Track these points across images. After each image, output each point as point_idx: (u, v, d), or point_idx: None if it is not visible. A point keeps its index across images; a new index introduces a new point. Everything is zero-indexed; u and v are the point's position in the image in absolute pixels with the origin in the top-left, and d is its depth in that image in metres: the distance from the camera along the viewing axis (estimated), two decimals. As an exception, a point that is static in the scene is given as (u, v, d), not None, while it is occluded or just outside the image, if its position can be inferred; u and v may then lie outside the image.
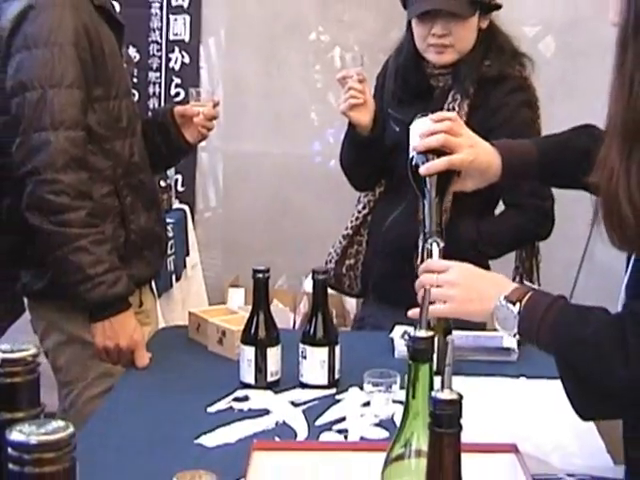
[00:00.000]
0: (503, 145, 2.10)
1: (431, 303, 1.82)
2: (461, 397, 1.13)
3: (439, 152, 2.02)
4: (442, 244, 1.93)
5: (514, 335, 1.78)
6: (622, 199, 1.60)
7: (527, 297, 1.76)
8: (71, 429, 0.88)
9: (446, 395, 1.14)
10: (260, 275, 2.34)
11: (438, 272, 1.86)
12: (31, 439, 0.87)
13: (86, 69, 2.60)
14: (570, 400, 1.65)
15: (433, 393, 1.14)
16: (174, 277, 4.22)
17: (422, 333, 1.33)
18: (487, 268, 2.65)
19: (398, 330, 2.58)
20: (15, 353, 1.00)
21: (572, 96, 4.68)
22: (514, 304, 1.75)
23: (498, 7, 3.02)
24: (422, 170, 2.00)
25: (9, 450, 0.87)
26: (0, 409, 0.99)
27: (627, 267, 1.77)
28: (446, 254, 2.43)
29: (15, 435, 0.87)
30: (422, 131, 2.07)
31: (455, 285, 1.84)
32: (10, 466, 0.87)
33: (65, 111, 2.55)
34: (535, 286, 1.84)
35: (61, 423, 0.88)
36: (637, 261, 1.73)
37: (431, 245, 1.93)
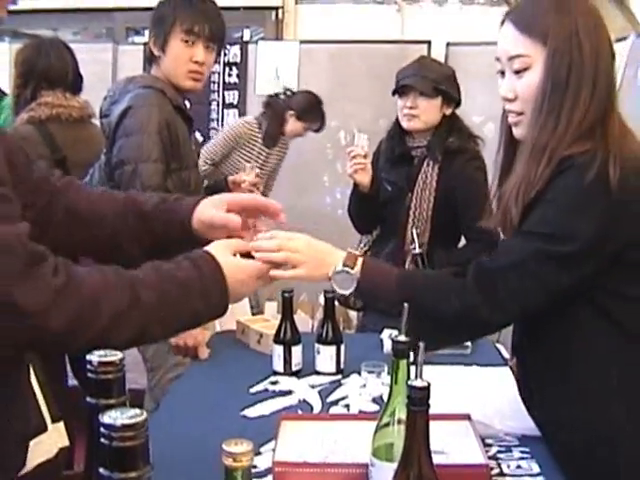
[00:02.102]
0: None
1: (278, 267, 1.63)
2: (429, 385, 1.13)
3: None
4: None
5: (351, 293, 1.70)
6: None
7: (362, 261, 1.70)
8: (145, 415, 0.89)
9: (419, 383, 1.14)
10: (287, 295, 2.34)
11: (282, 242, 1.67)
12: (117, 422, 0.87)
13: (166, 149, 2.61)
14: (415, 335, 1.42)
15: (409, 382, 1.15)
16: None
17: (402, 337, 1.34)
18: None
19: (386, 332, 2.57)
20: (107, 357, 1.00)
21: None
22: (352, 268, 1.69)
23: (458, 103, 3.05)
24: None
25: (101, 429, 0.88)
26: (97, 397, 0.99)
27: None
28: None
29: (106, 419, 0.88)
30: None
31: (300, 252, 1.68)
32: (102, 440, 0.88)
33: (151, 178, 2.56)
34: (358, 252, 1.74)
35: (137, 410, 0.89)
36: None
37: None
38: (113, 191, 1.78)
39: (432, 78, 2.97)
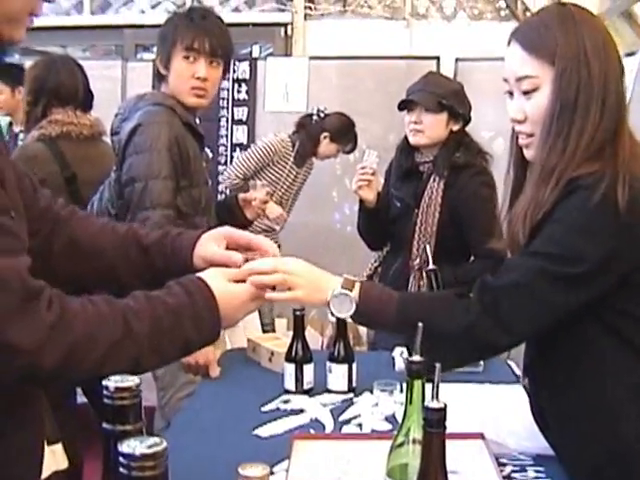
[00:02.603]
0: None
1: (273, 289, 1.61)
2: (446, 406, 1.13)
3: None
4: None
5: (349, 317, 1.69)
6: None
7: (359, 285, 1.69)
8: (164, 444, 0.88)
9: (435, 405, 1.13)
10: (298, 313, 2.33)
11: (277, 264, 1.65)
12: (136, 451, 0.86)
13: (176, 167, 2.61)
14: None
15: (426, 403, 1.14)
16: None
17: (417, 358, 1.33)
18: None
19: (397, 350, 2.56)
20: (124, 382, 0.99)
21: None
22: (350, 291, 1.68)
23: (467, 120, 3.04)
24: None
25: (120, 458, 0.87)
26: (114, 423, 0.98)
27: None
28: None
29: (125, 448, 0.87)
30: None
31: (297, 274, 1.67)
32: (120, 469, 0.87)
33: (161, 196, 2.56)
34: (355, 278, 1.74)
35: (157, 439, 0.88)
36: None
37: None
38: (116, 223, 1.77)
39: (438, 93, 2.97)
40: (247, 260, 1.62)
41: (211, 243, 1.65)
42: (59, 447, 1.84)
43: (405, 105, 2.99)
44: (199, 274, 1.50)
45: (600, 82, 1.57)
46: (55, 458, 1.81)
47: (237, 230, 1.71)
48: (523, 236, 1.62)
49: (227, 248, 1.65)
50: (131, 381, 0.99)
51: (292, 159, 4.67)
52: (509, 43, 1.66)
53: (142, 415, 1.00)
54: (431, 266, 2.76)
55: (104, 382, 0.98)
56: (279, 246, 4.93)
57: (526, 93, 1.62)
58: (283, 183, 4.69)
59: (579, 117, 1.57)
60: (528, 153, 1.68)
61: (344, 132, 4.68)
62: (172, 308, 1.39)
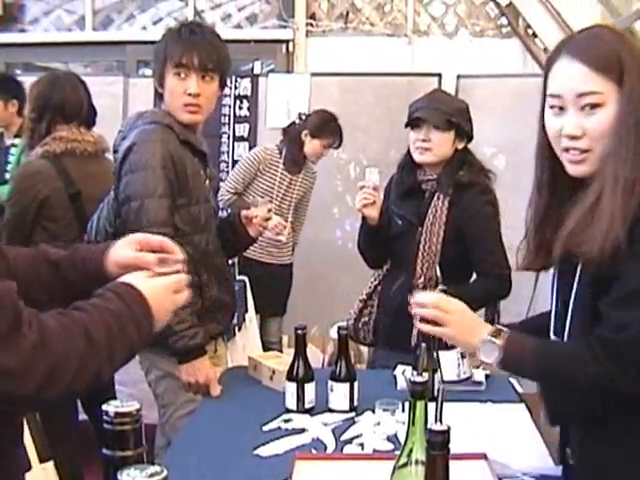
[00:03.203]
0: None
1: (429, 322, 1.77)
2: (449, 429, 1.12)
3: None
4: None
5: (495, 363, 1.72)
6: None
7: (507, 335, 1.72)
8: (164, 473, 0.87)
9: (439, 427, 1.13)
10: (300, 331, 2.32)
11: (440, 301, 1.80)
12: None
13: (172, 184, 2.60)
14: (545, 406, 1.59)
15: (429, 425, 1.14)
16: (237, 328, 4.19)
17: (419, 378, 1.32)
18: None
19: (399, 369, 2.55)
20: (124, 408, 0.98)
21: (518, 196, 4.65)
22: (497, 339, 1.71)
23: (470, 138, 3.04)
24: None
25: None
26: (114, 449, 0.97)
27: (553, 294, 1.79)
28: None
29: (125, 478, 0.86)
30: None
31: (452, 314, 1.78)
32: None
33: (157, 214, 2.55)
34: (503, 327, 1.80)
35: (157, 468, 0.86)
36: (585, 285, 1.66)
37: None
38: (27, 249, 1.78)
39: (445, 111, 2.95)
40: (162, 261, 1.62)
41: (124, 247, 1.66)
42: (50, 465, 1.83)
43: (413, 122, 2.97)
44: (120, 279, 1.52)
45: None
46: (47, 476, 1.80)
47: (150, 235, 1.72)
48: (623, 248, 1.55)
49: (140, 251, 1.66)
50: (131, 406, 0.98)
51: (282, 166, 4.70)
52: (560, 58, 1.65)
53: (143, 440, 0.99)
54: (441, 286, 2.71)
55: (104, 407, 0.97)
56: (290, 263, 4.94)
57: (590, 107, 1.60)
58: (277, 192, 4.70)
59: None
60: (579, 169, 1.66)
61: (323, 126, 4.68)
62: (116, 314, 1.40)
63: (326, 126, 4.68)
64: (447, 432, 1.12)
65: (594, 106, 1.59)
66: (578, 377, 1.61)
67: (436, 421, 1.14)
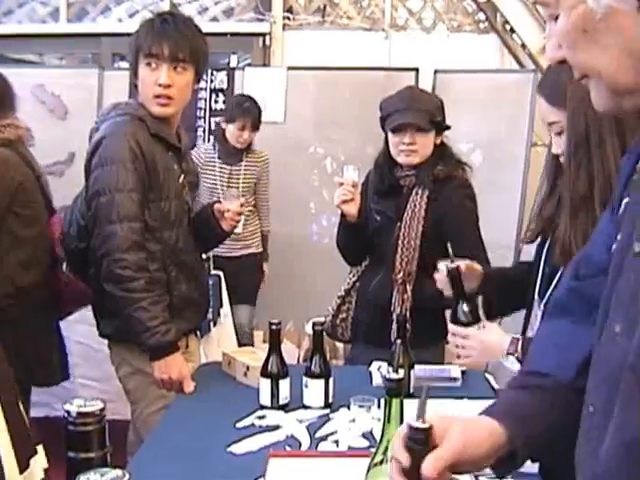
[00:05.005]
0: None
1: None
2: (431, 427, 1.13)
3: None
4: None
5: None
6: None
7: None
8: (127, 477, 0.84)
9: (420, 424, 1.14)
10: (274, 326, 2.29)
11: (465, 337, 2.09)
12: None
13: (142, 178, 2.57)
14: None
15: (411, 422, 1.14)
16: (212, 324, 4.16)
17: (394, 375, 1.31)
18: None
19: (375, 364, 2.53)
20: (87, 407, 0.95)
21: (494, 192, 4.66)
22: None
23: (447, 127, 3.02)
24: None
25: None
26: (77, 450, 0.93)
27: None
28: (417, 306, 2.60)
29: None
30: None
31: (474, 348, 2.07)
32: None
33: (127, 209, 2.52)
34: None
35: (119, 472, 0.83)
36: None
37: None
38: None
39: (427, 110, 2.93)
40: None
41: None
42: (40, 447, 1.86)
43: (398, 128, 2.94)
44: None
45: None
46: (40, 459, 1.83)
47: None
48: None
49: None
50: (94, 406, 0.95)
51: (218, 160, 4.79)
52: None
53: (106, 441, 0.95)
54: (452, 264, 2.56)
55: (66, 406, 0.93)
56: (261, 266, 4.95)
57: (557, 134, 1.91)
58: (220, 185, 4.75)
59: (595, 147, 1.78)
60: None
61: (233, 110, 4.71)
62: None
63: (237, 109, 4.70)
64: (429, 430, 1.13)
65: (559, 133, 1.90)
66: None
67: (418, 418, 1.13)
